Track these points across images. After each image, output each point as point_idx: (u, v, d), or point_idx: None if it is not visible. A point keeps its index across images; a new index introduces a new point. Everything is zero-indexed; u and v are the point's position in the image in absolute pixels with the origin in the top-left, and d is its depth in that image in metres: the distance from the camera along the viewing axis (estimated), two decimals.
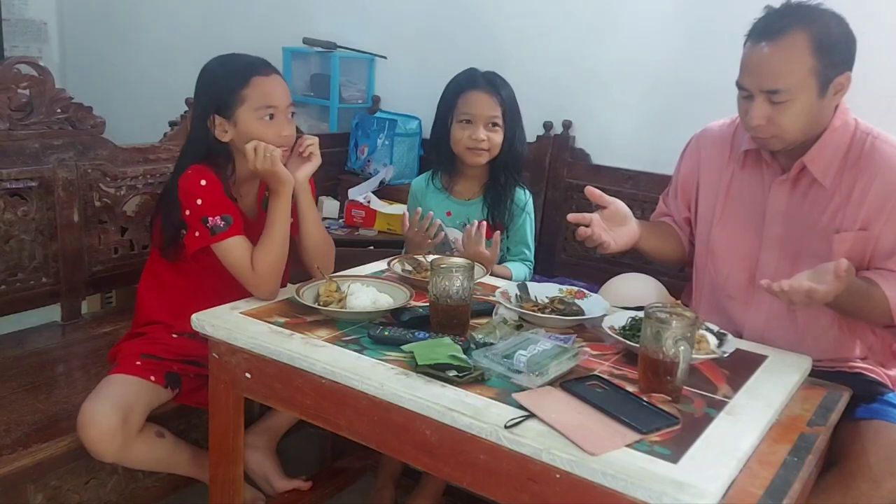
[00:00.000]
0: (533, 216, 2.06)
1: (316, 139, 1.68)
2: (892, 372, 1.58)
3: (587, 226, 1.50)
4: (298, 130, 1.72)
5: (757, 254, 1.58)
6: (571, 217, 1.52)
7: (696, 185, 1.70)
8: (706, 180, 1.67)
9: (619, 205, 1.58)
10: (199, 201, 1.57)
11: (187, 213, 1.58)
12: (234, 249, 1.57)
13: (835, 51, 1.41)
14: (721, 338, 1.40)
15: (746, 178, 1.60)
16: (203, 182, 1.58)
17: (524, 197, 2.03)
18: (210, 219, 1.56)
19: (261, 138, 1.58)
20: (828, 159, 1.48)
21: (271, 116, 1.60)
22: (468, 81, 1.95)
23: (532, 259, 2.04)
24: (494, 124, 1.93)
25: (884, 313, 1.45)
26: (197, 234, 1.57)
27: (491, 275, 1.78)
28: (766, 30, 1.42)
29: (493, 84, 1.94)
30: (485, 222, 1.84)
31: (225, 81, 1.61)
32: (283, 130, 1.62)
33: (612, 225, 1.56)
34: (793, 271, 1.52)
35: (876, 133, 1.50)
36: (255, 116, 1.59)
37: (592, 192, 1.54)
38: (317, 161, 1.68)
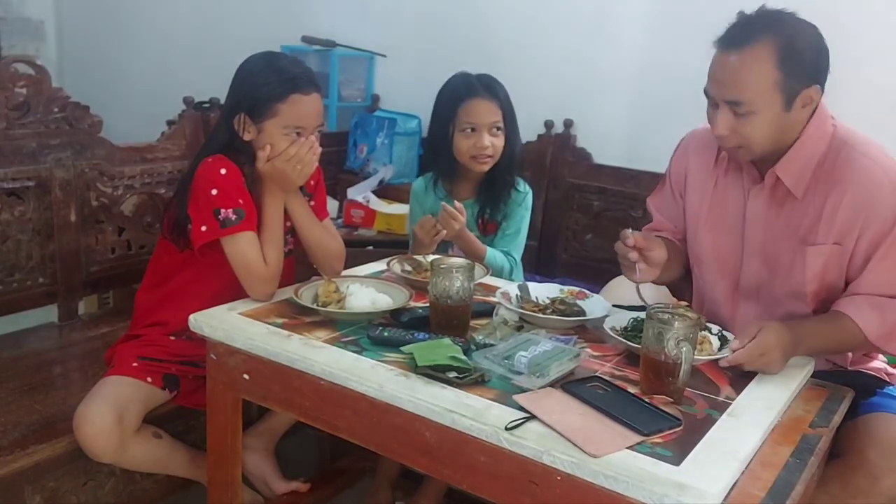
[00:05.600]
0: (529, 212, 2.03)
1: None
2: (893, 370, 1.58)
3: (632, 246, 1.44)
4: None
5: (739, 260, 1.55)
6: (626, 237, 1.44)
7: (684, 187, 1.66)
8: (693, 184, 1.64)
9: (660, 255, 1.48)
10: (214, 191, 1.54)
11: (198, 203, 1.56)
12: (244, 244, 1.54)
13: (801, 64, 1.35)
14: (723, 339, 1.40)
15: (729, 183, 1.56)
16: (223, 171, 1.56)
17: (523, 192, 2.01)
18: (222, 211, 1.54)
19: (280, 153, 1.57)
20: (799, 170, 1.43)
21: (297, 135, 1.59)
22: (466, 89, 1.93)
23: (515, 256, 1.99)
24: (497, 129, 1.92)
25: (863, 343, 1.42)
26: (204, 227, 1.55)
27: (462, 248, 1.83)
28: (733, 38, 1.37)
29: (490, 89, 1.92)
30: (457, 203, 1.84)
31: (264, 89, 1.57)
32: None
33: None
34: (773, 279, 1.50)
35: (853, 142, 1.43)
36: (282, 133, 1.57)
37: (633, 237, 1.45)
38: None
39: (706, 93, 1.43)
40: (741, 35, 1.36)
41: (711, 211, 1.58)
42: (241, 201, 1.56)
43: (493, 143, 1.91)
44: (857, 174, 1.39)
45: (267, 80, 1.58)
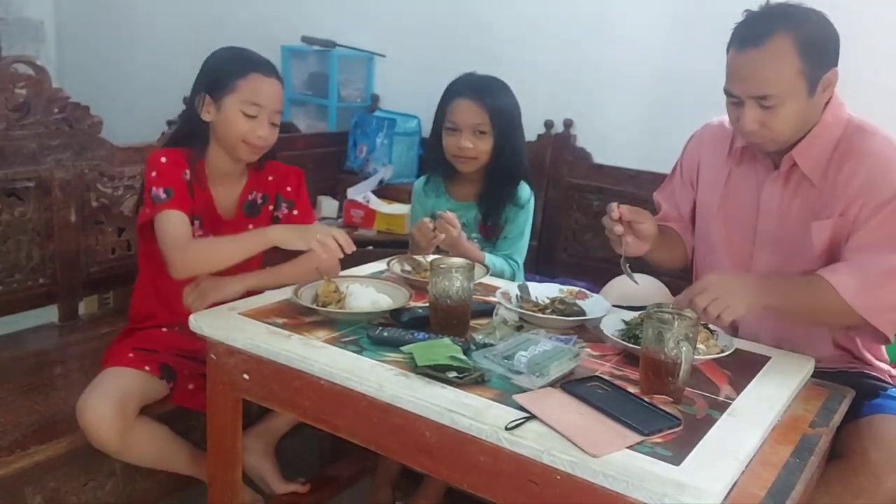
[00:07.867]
0: (531, 216, 2.02)
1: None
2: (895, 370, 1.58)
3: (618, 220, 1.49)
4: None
5: (750, 251, 1.57)
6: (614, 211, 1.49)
7: (697, 178, 1.69)
8: (706, 176, 1.66)
9: (649, 228, 1.51)
10: (153, 173, 1.61)
11: (144, 189, 1.63)
12: (167, 222, 1.57)
13: (820, 49, 1.40)
14: (709, 331, 1.40)
15: (742, 174, 1.59)
16: (163, 159, 1.63)
17: (525, 196, 2.00)
18: (153, 189, 1.59)
19: (236, 130, 1.63)
20: (816, 154, 1.47)
21: (254, 115, 1.63)
22: (456, 89, 1.95)
23: (517, 260, 1.99)
24: (481, 132, 1.91)
25: (842, 306, 1.38)
26: (146, 210, 1.61)
27: (460, 255, 1.78)
28: (749, 35, 1.40)
29: (479, 92, 1.92)
30: (450, 213, 1.83)
31: (226, 66, 1.66)
32: (259, 131, 1.65)
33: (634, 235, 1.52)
34: (785, 265, 1.52)
35: (868, 128, 1.47)
36: (239, 108, 1.63)
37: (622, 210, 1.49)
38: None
39: (728, 92, 1.45)
40: (758, 30, 1.39)
41: (724, 202, 1.61)
42: (173, 183, 1.60)
43: (476, 145, 1.91)
44: (870, 150, 1.44)
45: (230, 59, 1.68)
